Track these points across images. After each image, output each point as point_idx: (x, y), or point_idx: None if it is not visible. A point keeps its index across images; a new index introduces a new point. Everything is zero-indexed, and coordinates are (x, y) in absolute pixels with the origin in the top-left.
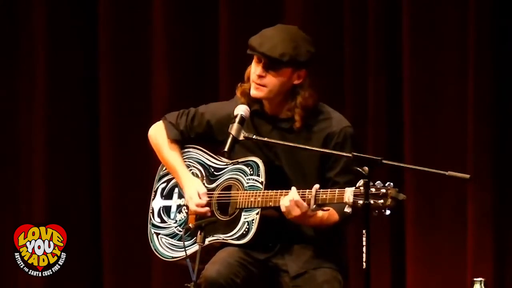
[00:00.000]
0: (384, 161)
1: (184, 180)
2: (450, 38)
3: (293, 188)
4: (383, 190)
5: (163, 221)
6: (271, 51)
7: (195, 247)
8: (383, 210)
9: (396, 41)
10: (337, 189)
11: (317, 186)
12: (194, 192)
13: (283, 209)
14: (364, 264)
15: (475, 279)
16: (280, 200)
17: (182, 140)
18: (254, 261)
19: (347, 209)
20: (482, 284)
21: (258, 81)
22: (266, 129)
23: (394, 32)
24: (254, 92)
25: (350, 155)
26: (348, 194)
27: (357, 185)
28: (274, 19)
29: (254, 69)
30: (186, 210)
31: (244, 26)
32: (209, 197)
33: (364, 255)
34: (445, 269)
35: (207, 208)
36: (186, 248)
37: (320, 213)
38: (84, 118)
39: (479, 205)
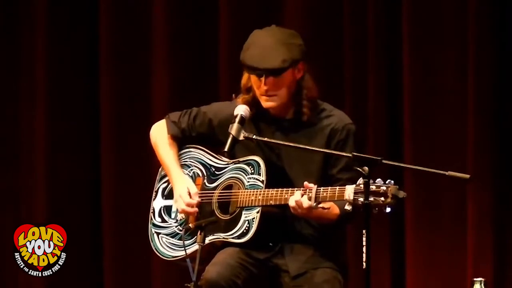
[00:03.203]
0: (384, 161)
1: (175, 179)
2: (450, 37)
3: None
4: (384, 188)
5: (163, 220)
6: (273, 63)
7: (196, 247)
8: (383, 208)
9: (396, 41)
10: (338, 187)
11: (306, 183)
12: (184, 191)
13: (290, 204)
14: (364, 264)
15: (475, 279)
16: (281, 199)
17: (182, 138)
18: (254, 261)
19: (348, 207)
20: (482, 284)
21: (267, 94)
22: (269, 130)
23: (394, 32)
24: (267, 104)
25: (350, 155)
26: (349, 191)
27: (357, 183)
28: (273, 18)
29: (257, 84)
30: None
31: (244, 25)
32: (209, 196)
33: (364, 255)
34: (445, 269)
35: (195, 209)
36: (186, 248)
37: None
38: (84, 118)
39: (479, 205)
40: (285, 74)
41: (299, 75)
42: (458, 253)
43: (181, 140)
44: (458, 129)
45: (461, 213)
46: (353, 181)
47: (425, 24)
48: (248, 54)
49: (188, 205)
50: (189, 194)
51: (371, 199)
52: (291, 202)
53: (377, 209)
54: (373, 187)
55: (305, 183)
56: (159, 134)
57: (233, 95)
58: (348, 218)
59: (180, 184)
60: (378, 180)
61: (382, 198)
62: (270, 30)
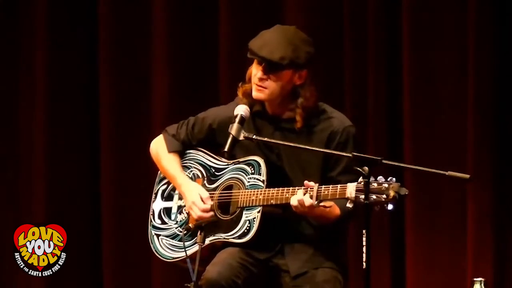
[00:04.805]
0: (384, 161)
1: (184, 186)
2: (450, 38)
3: (299, 191)
4: (385, 185)
5: (163, 222)
6: (271, 55)
7: (196, 247)
8: (385, 205)
9: (396, 41)
10: (339, 185)
11: (306, 182)
12: (197, 197)
13: (292, 203)
14: (364, 264)
15: (475, 279)
16: (282, 198)
17: (183, 150)
18: (255, 261)
19: (349, 204)
20: (482, 284)
21: (259, 83)
22: (268, 130)
23: (394, 32)
24: (255, 94)
25: (350, 155)
26: (350, 189)
27: (359, 181)
28: (274, 18)
29: (255, 72)
30: (187, 211)
31: (244, 26)
32: (210, 197)
33: (364, 255)
34: (445, 269)
35: (211, 213)
36: (187, 249)
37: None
38: (84, 118)
39: (479, 205)
40: (282, 74)
41: (299, 82)
42: (458, 253)
43: (181, 153)
44: (458, 129)
45: (461, 213)
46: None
47: (425, 24)
48: (255, 40)
49: (204, 210)
50: (201, 199)
51: (373, 196)
52: (293, 201)
53: (379, 206)
54: (374, 185)
55: (306, 182)
56: (159, 150)
57: (240, 83)
58: (350, 216)
59: (190, 192)
60: (380, 177)
61: (384, 196)
62: (286, 28)
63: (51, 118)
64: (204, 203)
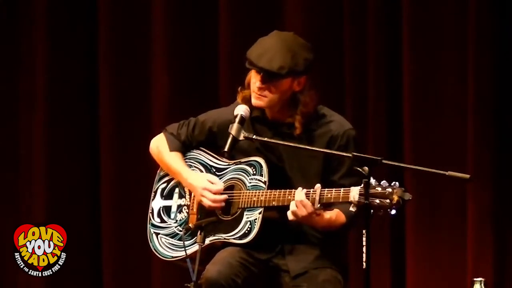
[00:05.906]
0: (384, 161)
1: (191, 178)
2: (450, 38)
3: (299, 189)
4: (389, 190)
5: (163, 221)
6: (269, 65)
7: (196, 247)
8: (388, 210)
9: (396, 41)
10: (342, 189)
11: (318, 185)
12: (206, 182)
13: (290, 217)
14: (364, 264)
15: (475, 279)
16: (283, 200)
17: (184, 151)
18: (255, 261)
19: (352, 208)
20: (482, 284)
21: (259, 92)
22: (267, 135)
23: (394, 33)
24: (255, 102)
25: (350, 155)
26: (354, 193)
27: (362, 185)
28: (274, 19)
29: (254, 80)
30: (187, 210)
31: (244, 26)
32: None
33: (364, 255)
34: (445, 269)
35: (225, 196)
36: (186, 248)
37: (327, 214)
38: (84, 118)
39: (479, 205)
40: (281, 81)
41: (298, 88)
42: (458, 253)
43: (182, 152)
44: (458, 129)
45: (461, 213)
46: (356, 186)
47: (425, 24)
48: (253, 49)
49: (217, 192)
50: (212, 183)
51: (377, 201)
52: (292, 206)
53: (382, 211)
54: (378, 189)
55: (318, 185)
56: (161, 148)
57: (239, 88)
58: (354, 220)
59: (198, 180)
60: (383, 182)
61: (388, 200)
62: (285, 35)
63: (51, 118)
64: (215, 184)
